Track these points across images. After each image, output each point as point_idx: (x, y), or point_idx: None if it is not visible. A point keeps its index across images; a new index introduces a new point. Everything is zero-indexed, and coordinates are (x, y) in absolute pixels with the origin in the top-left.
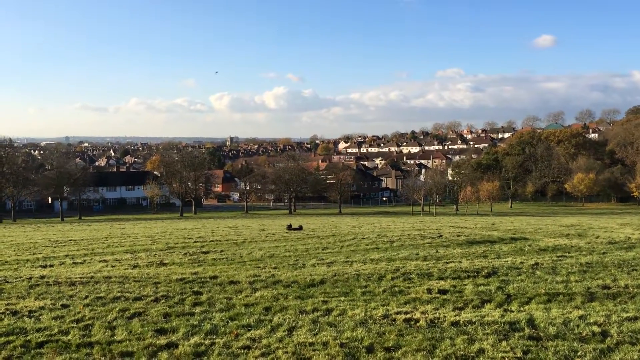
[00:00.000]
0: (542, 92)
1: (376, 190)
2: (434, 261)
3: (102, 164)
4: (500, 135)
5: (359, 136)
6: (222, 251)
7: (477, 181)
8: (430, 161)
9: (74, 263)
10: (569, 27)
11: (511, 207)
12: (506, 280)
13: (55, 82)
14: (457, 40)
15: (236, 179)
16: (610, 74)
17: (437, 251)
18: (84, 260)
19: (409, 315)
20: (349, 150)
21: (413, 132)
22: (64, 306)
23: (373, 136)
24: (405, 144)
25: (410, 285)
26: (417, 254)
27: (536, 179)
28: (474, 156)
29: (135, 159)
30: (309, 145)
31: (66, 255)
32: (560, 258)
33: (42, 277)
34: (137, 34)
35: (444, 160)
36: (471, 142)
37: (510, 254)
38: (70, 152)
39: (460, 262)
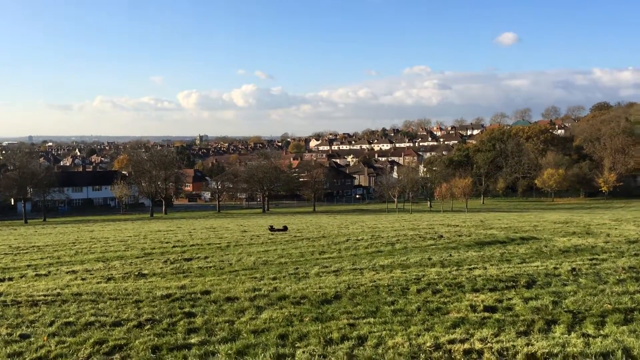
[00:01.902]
0: (507, 89)
1: (349, 188)
2: (454, 267)
3: (68, 164)
4: (469, 132)
5: (330, 134)
6: (206, 258)
7: (450, 178)
8: (401, 158)
9: (37, 275)
10: (530, 25)
11: (483, 203)
12: (555, 291)
13: (17, 80)
14: (423, 38)
15: (207, 178)
16: (572, 71)
17: (450, 255)
18: (49, 272)
19: (467, 345)
20: (320, 147)
21: (384, 130)
22: (23, 337)
23: (344, 134)
24: (376, 141)
25: (444, 299)
26: (430, 259)
27: (507, 175)
28: (444, 153)
29: (102, 159)
30: (280, 144)
31: (28, 266)
32: (593, 261)
33: None
34: (101, 30)
35: (415, 157)
36: (441, 139)
37: (533, 257)
38: (33, 151)
39: (485, 268)
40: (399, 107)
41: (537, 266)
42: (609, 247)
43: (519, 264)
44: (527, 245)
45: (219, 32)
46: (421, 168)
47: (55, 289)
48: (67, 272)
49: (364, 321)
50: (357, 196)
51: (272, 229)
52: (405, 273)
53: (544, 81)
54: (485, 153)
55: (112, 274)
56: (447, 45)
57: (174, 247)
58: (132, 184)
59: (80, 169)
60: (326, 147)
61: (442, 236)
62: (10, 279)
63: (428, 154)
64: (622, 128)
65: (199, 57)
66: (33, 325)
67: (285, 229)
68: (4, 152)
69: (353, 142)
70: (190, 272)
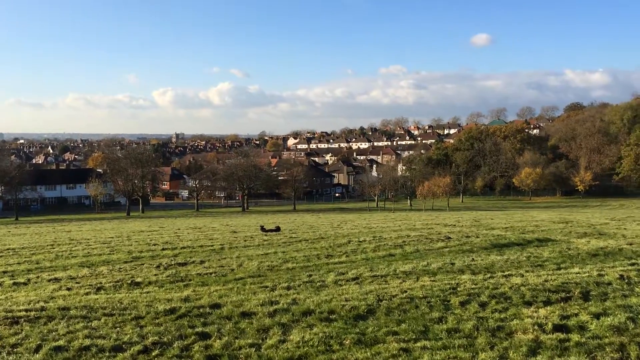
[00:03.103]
0: (481, 89)
1: (328, 187)
2: (487, 275)
3: (40, 162)
4: (446, 131)
5: (308, 132)
6: (202, 262)
7: (429, 176)
8: (380, 157)
9: (15, 284)
10: (502, 26)
11: (462, 201)
12: (622, 305)
13: None
14: (399, 38)
15: (184, 176)
16: (545, 72)
17: (472, 259)
18: (29, 280)
19: None
20: (299, 146)
21: (362, 128)
22: None
23: (322, 132)
24: (354, 139)
25: (499, 315)
26: (453, 264)
27: (485, 173)
28: (423, 152)
29: (76, 156)
30: (257, 142)
31: (4, 272)
32: (635, 266)
33: None
34: (73, 28)
35: (394, 156)
36: (419, 138)
37: (566, 262)
38: (4, 149)
39: (522, 275)
40: (375, 106)
41: (579, 273)
42: (637, 251)
43: (555, 270)
44: (548, 247)
45: (193, 30)
46: (400, 167)
47: (38, 301)
48: (49, 280)
49: (418, 345)
50: (337, 194)
51: (263, 229)
52: (435, 281)
53: (517, 82)
54: (463, 152)
55: (101, 283)
56: (422, 46)
57: (163, 249)
58: (108, 182)
59: (54, 167)
60: (304, 146)
61: (449, 237)
62: None
63: (406, 153)
64: (597, 128)
65: (173, 55)
66: (15, 351)
67: (278, 229)
68: None
69: (331, 141)
70: (190, 280)
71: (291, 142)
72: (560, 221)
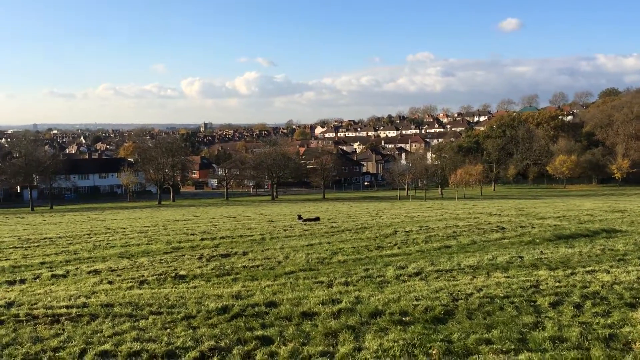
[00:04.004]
0: (511, 75)
1: (357, 175)
2: (567, 270)
3: (73, 151)
4: (475, 119)
5: (335, 121)
6: (246, 254)
7: (460, 164)
8: (409, 145)
9: (53, 276)
10: (533, 10)
11: (494, 190)
12: None
13: (22, 68)
14: (426, 25)
15: (213, 165)
16: (577, 57)
17: (541, 252)
18: (67, 272)
19: None
20: (326, 135)
21: (389, 116)
22: None
23: (349, 120)
24: (382, 128)
25: (603, 320)
26: (521, 257)
27: (517, 161)
28: (452, 140)
29: (107, 146)
30: (285, 131)
31: (42, 263)
32: None
33: (8, 305)
34: (101, 19)
35: (422, 144)
36: (448, 126)
37: None
38: (38, 139)
39: (608, 271)
40: (402, 94)
41: None
42: None
43: (638, 265)
44: (619, 239)
45: (220, 20)
46: (429, 155)
47: (79, 296)
48: (88, 273)
49: (521, 357)
50: (366, 183)
51: (301, 218)
52: (510, 278)
53: (547, 68)
54: (495, 139)
55: (143, 275)
56: (449, 32)
57: (202, 239)
58: (139, 171)
59: (86, 157)
60: (332, 134)
61: (504, 228)
62: (23, 281)
63: (435, 141)
64: (635, 114)
65: (201, 45)
66: (57, 356)
67: (317, 219)
68: (9, 140)
69: (359, 129)
70: (237, 274)
71: (319, 130)
72: (613, 210)
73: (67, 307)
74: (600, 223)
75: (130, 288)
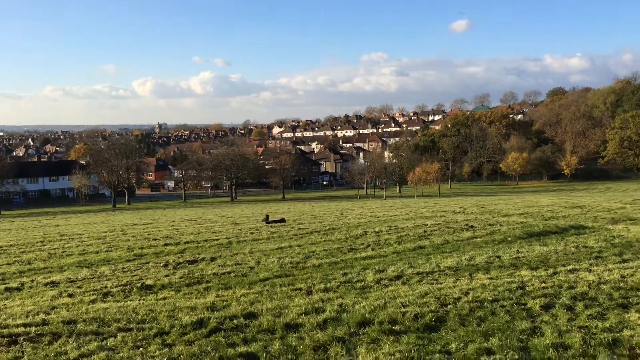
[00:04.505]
0: (462, 75)
1: (316, 175)
2: (549, 270)
3: (21, 154)
4: (430, 118)
5: (293, 120)
6: (213, 259)
7: (417, 163)
8: (366, 144)
9: (7, 289)
10: (480, 12)
11: (450, 187)
12: None
13: None
14: (378, 25)
15: (170, 166)
16: (524, 57)
17: (517, 251)
18: (22, 284)
19: None
20: (284, 134)
21: (346, 116)
22: None
23: (307, 120)
24: (339, 127)
25: (600, 324)
26: (499, 257)
27: (472, 159)
28: (409, 138)
29: (57, 148)
30: (242, 131)
31: None
32: None
33: None
34: (46, 18)
35: (380, 143)
36: (404, 125)
37: (626, 253)
38: None
39: (590, 270)
40: (358, 93)
41: None
42: None
43: (621, 262)
44: (590, 235)
45: (171, 19)
46: (386, 154)
47: (38, 312)
48: (45, 285)
49: None
50: (325, 183)
51: (268, 220)
52: (493, 279)
53: (497, 67)
54: (450, 138)
55: (106, 287)
56: (402, 33)
57: (165, 245)
58: (92, 174)
59: (35, 159)
60: (290, 134)
61: (473, 226)
62: None
63: (392, 140)
64: (582, 112)
65: (152, 45)
66: None
67: (282, 220)
68: None
69: (316, 129)
70: (209, 282)
71: (276, 130)
72: (572, 206)
73: (24, 325)
74: (565, 219)
75: (94, 301)
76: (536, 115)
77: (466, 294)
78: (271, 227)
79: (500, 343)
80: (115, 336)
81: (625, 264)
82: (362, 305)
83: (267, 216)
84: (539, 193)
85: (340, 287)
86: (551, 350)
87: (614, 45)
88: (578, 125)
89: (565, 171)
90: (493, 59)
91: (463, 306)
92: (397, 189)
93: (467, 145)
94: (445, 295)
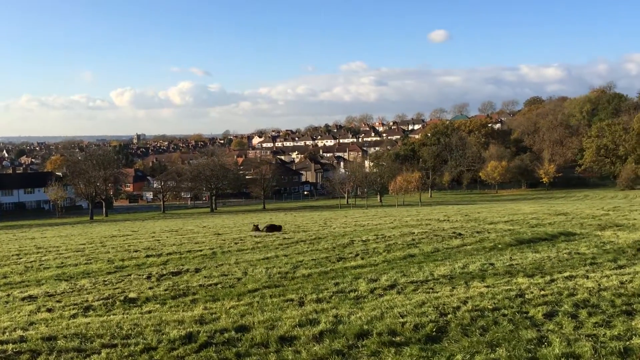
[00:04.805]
0: (441, 85)
1: (296, 185)
2: (545, 277)
3: None
4: (410, 127)
5: (273, 130)
6: (198, 270)
7: (398, 172)
8: (346, 154)
9: None
10: (459, 22)
11: (431, 196)
12: None
13: None
14: (357, 34)
15: (148, 177)
16: (502, 67)
17: (510, 258)
18: None
19: None
20: (264, 144)
21: (327, 126)
22: None
23: (287, 130)
24: (319, 137)
25: (609, 332)
26: (493, 264)
27: (452, 168)
28: (389, 148)
29: (33, 160)
30: (222, 141)
31: None
32: None
33: None
34: (22, 25)
35: (360, 153)
36: (384, 134)
37: (620, 259)
38: None
39: (587, 277)
40: (338, 103)
41: None
42: None
43: (617, 268)
44: (580, 242)
45: (149, 28)
46: (367, 163)
47: (15, 328)
48: (23, 299)
49: None
50: (306, 192)
51: (258, 229)
52: (490, 287)
53: (475, 77)
54: (430, 147)
55: (87, 300)
56: (381, 42)
57: (147, 256)
58: (68, 186)
59: (10, 171)
60: (270, 144)
61: (461, 234)
62: None
63: (373, 149)
64: (559, 121)
65: (130, 54)
66: None
67: (279, 228)
68: None
69: (296, 139)
70: (195, 294)
71: (256, 140)
72: (556, 213)
73: (1, 342)
74: (552, 226)
75: (74, 316)
76: (514, 124)
77: (465, 302)
78: (256, 237)
79: (508, 354)
80: (99, 353)
81: (622, 270)
82: (358, 316)
83: (257, 225)
84: (518, 201)
85: (333, 298)
86: (548, 351)
87: (588, 55)
88: (555, 134)
89: (543, 179)
90: (471, 69)
91: (463, 315)
92: (378, 198)
93: (447, 154)
94: (444, 305)
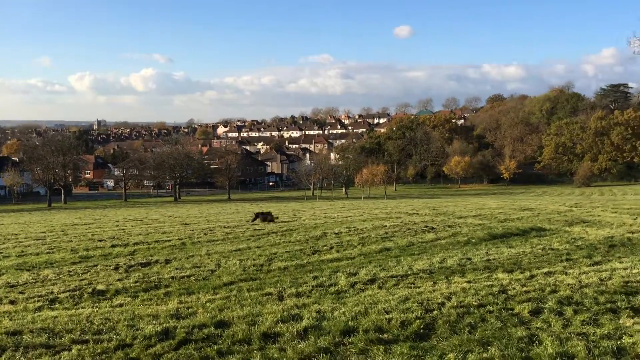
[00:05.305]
0: (405, 80)
1: (262, 175)
2: (525, 273)
3: None
4: (376, 121)
5: (238, 120)
6: (168, 261)
7: (363, 165)
8: (312, 145)
9: None
10: (423, 18)
11: (396, 189)
12: None
13: None
14: (322, 26)
15: (109, 164)
16: (465, 65)
17: (487, 253)
18: None
19: None
20: (229, 134)
21: (293, 117)
22: None
23: (253, 120)
24: (285, 128)
25: (598, 330)
26: (470, 259)
27: (416, 162)
28: (354, 140)
29: None
30: (186, 130)
31: None
32: None
33: None
34: None
35: (326, 145)
36: (350, 127)
37: (595, 255)
38: None
39: (566, 272)
40: (304, 95)
41: (626, 268)
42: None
43: (593, 265)
44: (552, 238)
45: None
46: (333, 155)
47: None
48: None
49: None
50: (271, 183)
51: (255, 218)
52: (471, 283)
53: (439, 74)
54: (395, 141)
55: (52, 292)
56: (346, 35)
57: (113, 246)
58: (25, 171)
59: None
60: (235, 134)
61: (433, 228)
62: None
63: (338, 142)
64: (520, 118)
65: (90, 38)
66: None
67: (271, 219)
68: None
69: (262, 129)
70: (168, 287)
71: (221, 130)
72: (521, 208)
73: None
74: (520, 221)
75: (40, 309)
76: (477, 121)
77: (449, 298)
78: (225, 227)
79: (501, 353)
80: (70, 349)
81: (598, 266)
82: (341, 311)
83: (260, 214)
84: (481, 196)
85: (313, 292)
86: (540, 350)
87: (547, 56)
88: (516, 131)
89: (504, 175)
90: (435, 65)
91: (449, 312)
92: (344, 190)
93: (412, 148)
94: (428, 300)
